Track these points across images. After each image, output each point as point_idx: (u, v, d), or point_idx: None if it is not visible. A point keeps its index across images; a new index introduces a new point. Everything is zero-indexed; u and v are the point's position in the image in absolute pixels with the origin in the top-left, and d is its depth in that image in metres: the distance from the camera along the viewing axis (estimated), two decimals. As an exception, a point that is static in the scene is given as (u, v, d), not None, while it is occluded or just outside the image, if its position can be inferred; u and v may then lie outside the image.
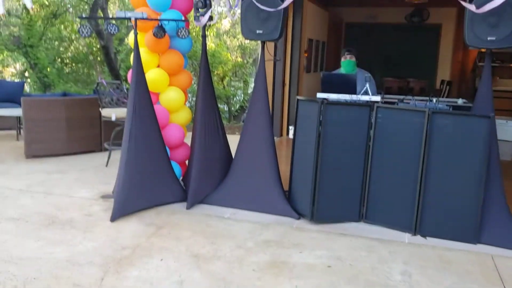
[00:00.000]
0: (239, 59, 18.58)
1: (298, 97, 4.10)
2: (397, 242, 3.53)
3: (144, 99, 4.04)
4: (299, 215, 3.95)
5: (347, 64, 5.08)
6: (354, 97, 3.93)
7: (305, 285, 2.86)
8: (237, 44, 18.48)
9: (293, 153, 4.13)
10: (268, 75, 4.49)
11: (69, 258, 3.12)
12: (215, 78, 16.41)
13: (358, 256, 3.28)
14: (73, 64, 16.49)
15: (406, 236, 3.63)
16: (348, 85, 4.00)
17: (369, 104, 3.79)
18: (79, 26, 3.87)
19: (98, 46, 14.44)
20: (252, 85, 15.91)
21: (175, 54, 4.42)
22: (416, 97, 4.26)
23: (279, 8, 3.85)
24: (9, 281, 2.80)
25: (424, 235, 3.63)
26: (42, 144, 5.89)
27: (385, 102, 4.04)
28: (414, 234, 3.65)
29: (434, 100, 3.83)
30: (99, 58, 15.32)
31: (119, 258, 3.15)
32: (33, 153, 5.88)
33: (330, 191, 3.82)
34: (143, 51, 4.25)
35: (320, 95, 4.00)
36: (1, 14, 4.79)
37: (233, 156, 4.38)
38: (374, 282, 2.93)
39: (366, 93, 3.99)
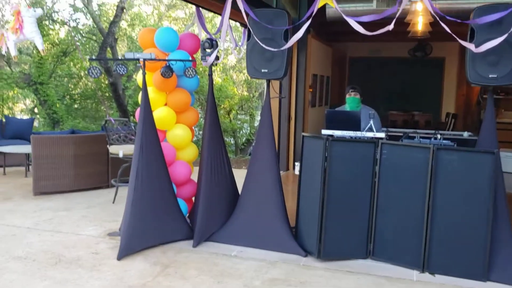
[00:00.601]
0: (245, 93, 18.82)
1: (304, 134, 4.14)
2: (405, 280, 3.49)
3: (151, 136, 4.11)
4: (306, 252, 3.93)
5: (351, 101, 5.16)
6: (358, 133, 3.97)
7: (313, 326, 2.82)
8: (243, 78, 18.76)
9: (299, 190, 4.14)
10: (273, 110, 4.56)
11: (76, 298, 3.12)
12: (221, 112, 16.59)
13: (366, 294, 3.25)
14: (82, 100, 16.75)
15: (414, 274, 3.59)
16: (352, 122, 4.04)
17: (374, 141, 3.82)
18: (89, 67, 3.98)
19: (107, 82, 14.71)
20: (258, 118, 16.05)
21: (182, 92, 4.52)
22: (420, 131, 4.29)
23: (283, 48, 3.95)
24: (15, 322, 2.80)
25: (432, 273, 3.58)
26: (50, 181, 5.95)
27: (390, 136, 4.06)
28: (423, 271, 3.61)
29: (439, 136, 3.85)
30: (107, 94, 15.57)
31: (125, 298, 3.14)
32: (41, 190, 5.94)
33: (337, 228, 3.80)
34: (151, 90, 4.34)
35: (324, 132, 4.04)
36: (13, 56, 4.95)
37: (240, 192, 4.41)
38: (383, 322, 2.89)
39: (370, 129, 4.03)
